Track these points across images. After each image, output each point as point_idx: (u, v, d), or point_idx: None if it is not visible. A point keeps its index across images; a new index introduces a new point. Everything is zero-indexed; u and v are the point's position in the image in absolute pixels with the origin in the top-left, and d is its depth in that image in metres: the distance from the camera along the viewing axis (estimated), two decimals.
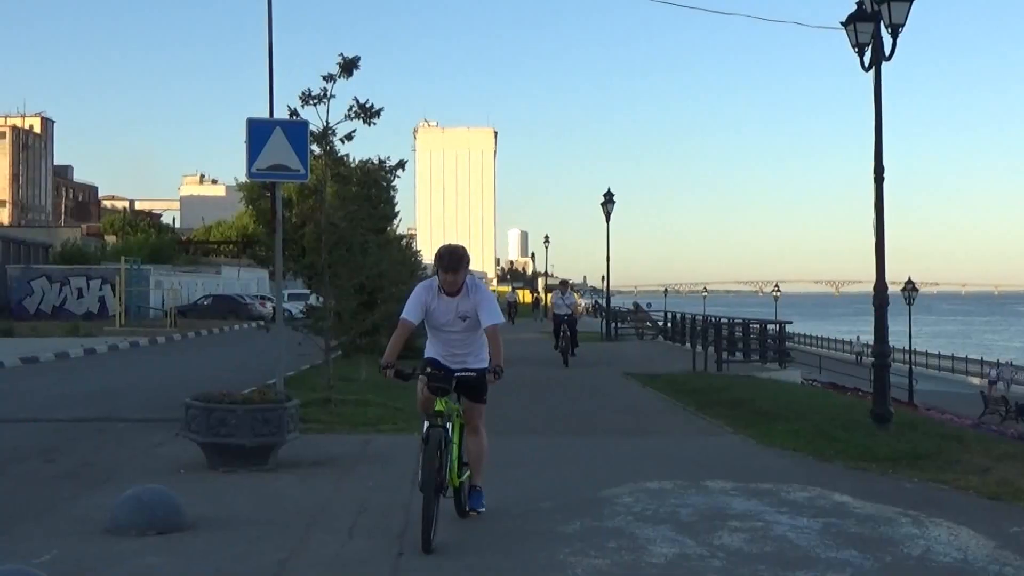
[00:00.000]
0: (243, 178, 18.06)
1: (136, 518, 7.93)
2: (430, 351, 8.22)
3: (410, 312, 7.95)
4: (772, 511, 8.91)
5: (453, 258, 7.82)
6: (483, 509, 8.24)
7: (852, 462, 11.38)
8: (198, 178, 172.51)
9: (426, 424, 7.61)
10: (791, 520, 8.58)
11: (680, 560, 7.29)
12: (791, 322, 33.72)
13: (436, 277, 7.95)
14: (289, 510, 8.88)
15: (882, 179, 14.47)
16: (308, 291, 20.32)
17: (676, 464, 10.88)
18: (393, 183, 24.05)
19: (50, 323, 44.38)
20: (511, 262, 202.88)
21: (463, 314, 7.91)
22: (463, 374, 7.83)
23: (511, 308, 64.29)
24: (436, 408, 7.62)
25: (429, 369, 7.81)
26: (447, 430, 7.59)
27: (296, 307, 30.58)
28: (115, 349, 32.50)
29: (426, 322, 8.09)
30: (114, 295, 48.76)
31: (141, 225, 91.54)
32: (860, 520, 8.58)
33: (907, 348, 48.98)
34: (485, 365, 7.95)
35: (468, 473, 8.22)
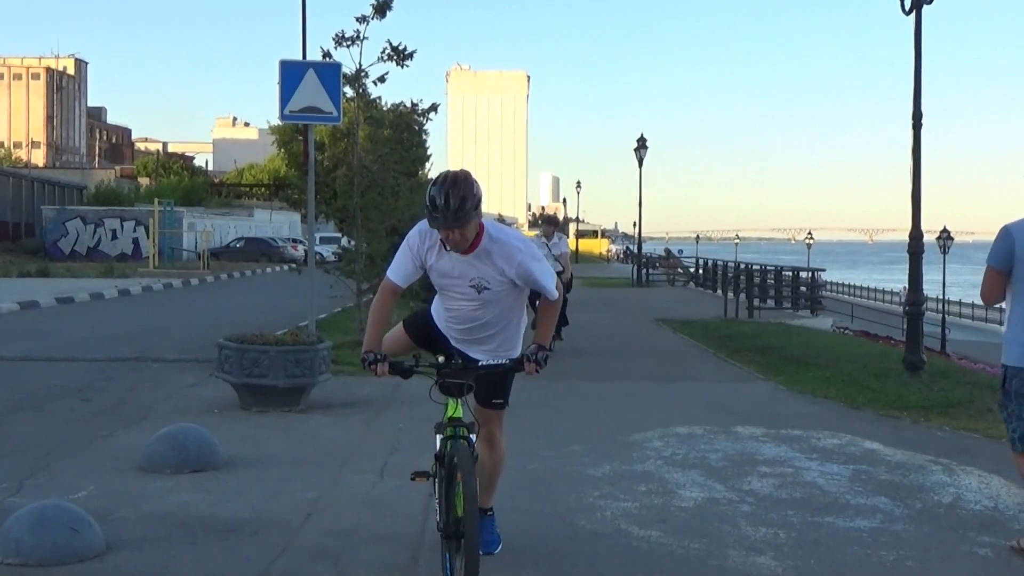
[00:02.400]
0: (276, 121, 18.16)
1: (170, 456, 8.03)
2: (436, 315, 5.81)
3: (396, 271, 5.52)
4: (802, 457, 8.91)
5: (455, 194, 5.00)
6: (498, 549, 5.95)
7: (883, 410, 11.34)
8: (230, 121, 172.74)
9: (439, 437, 5.41)
10: (821, 466, 8.58)
11: (709, 505, 7.32)
12: (824, 270, 33.56)
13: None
14: (321, 450, 8.97)
15: (920, 125, 14.28)
16: (340, 234, 20.35)
17: (706, 410, 10.88)
18: (425, 127, 23.96)
19: (84, 264, 44.87)
20: (543, 207, 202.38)
21: (479, 282, 5.38)
22: (488, 365, 5.37)
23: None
24: (451, 414, 5.37)
25: (440, 358, 5.48)
26: (471, 442, 5.27)
27: (328, 250, 30.74)
28: (149, 290, 32.76)
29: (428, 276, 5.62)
30: (147, 237, 49.10)
31: (174, 167, 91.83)
32: (890, 467, 8.58)
33: (940, 297, 48.66)
34: (516, 353, 5.57)
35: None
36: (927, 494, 7.72)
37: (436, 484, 5.50)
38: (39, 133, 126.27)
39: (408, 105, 18.13)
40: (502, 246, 5.29)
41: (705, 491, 7.69)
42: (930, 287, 18.34)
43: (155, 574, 5.65)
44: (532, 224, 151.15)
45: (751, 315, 25.40)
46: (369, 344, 5.40)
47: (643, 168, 43.85)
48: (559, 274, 14.08)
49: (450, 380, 5.28)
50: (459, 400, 5.35)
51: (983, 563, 6.16)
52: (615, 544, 6.25)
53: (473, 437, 5.27)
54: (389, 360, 5.27)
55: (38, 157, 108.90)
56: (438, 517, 5.38)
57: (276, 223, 72.94)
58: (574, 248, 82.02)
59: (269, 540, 6.27)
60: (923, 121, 14.29)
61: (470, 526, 4.87)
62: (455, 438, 5.23)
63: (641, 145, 43.37)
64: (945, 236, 52.77)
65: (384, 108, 17.60)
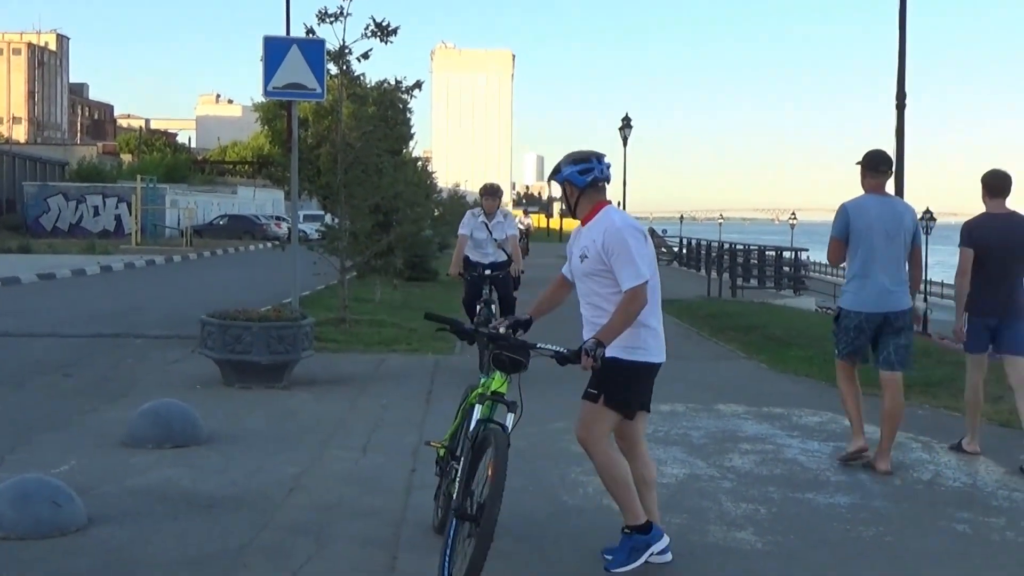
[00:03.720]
0: (259, 98, 17.98)
1: (153, 432, 8.03)
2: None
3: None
4: (783, 435, 8.97)
5: None
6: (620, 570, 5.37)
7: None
8: (214, 98, 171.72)
9: (477, 406, 5.24)
10: (802, 444, 8.64)
11: (691, 481, 7.37)
12: (807, 250, 33.60)
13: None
14: (304, 426, 8.98)
15: (904, 106, 14.35)
16: (323, 212, 20.31)
17: (689, 388, 10.91)
18: (409, 104, 23.88)
19: (66, 240, 44.61)
20: (527, 186, 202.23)
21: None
22: (544, 348, 5.22)
23: (524, 235, 53.82)
24: (496, 387, 5.21)
25: (502, 329, 5.40)
26: (506, 428, 5.04)
27: (311, 228, 30.64)
28: (131, 267, 32.63)
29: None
30: (130, 214, 48.85)
31: (157, 144, 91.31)
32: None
33: (923, 278, 48.99)
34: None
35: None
36: (907, 471, 7.78)
37: (441, 458, 5.56)
38: (20, 109, 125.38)
39: (392, 82, 18.05)
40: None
41: (687, 467, 7.74)
42: None
43: (138, 548, 5.65)
44: (516, 203, 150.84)
45: (734, 294, 25.47)
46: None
47: (627, 148, 43.90)
48: (501, 265, 11.74)
49: (504, 353, 5.20)
50: (507, 377, 5.21)
51: (961, 539, 6.22)
52: (598, 520, 6.28)
53: (510, 418, 5.08)
54: (454, 321, 5.46)
55: (19, 133, 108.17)
56: (441, 487, 5.37)
57: (259, 200, 72.66)
58: (557, 227, 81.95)
59: (251, 515, 6.28)
60: (907, 102, 14.34)
61: (489, 514, 4.69)
62: (490, 421, 5.07)
63: (626, 125, 43.38)
64: (928, 217, 52.96)
65: (368, 85, 17.52)
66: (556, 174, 5.53)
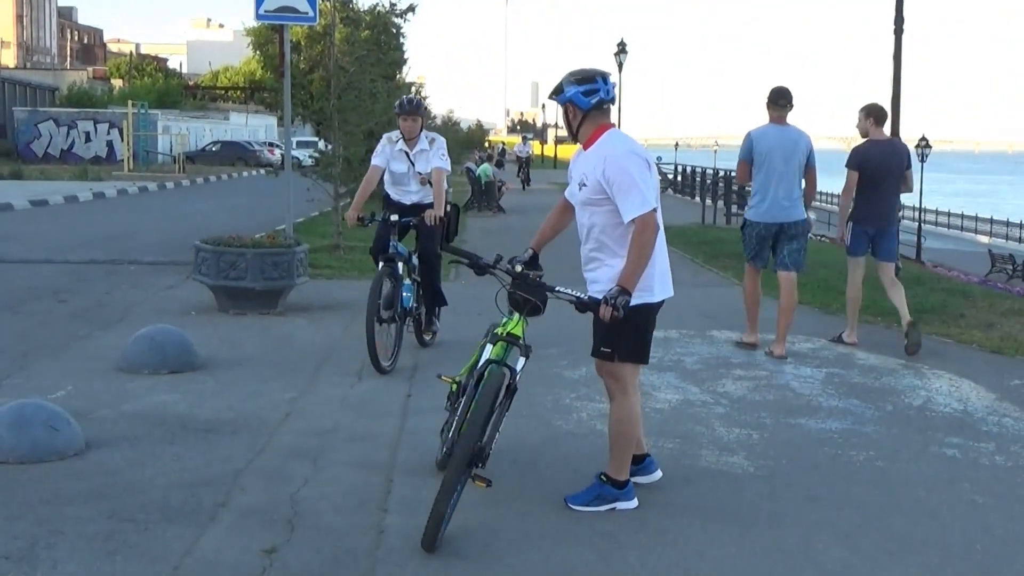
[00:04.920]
0: (251, 22, 17.82)
1: (149, 357, 8.05)
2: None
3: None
4: (776, 361, 9.01)
5: None
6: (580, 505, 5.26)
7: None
8: (205, 22, 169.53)
9: (489, 346, 5.09)
10: (794, 370, 8.69)
11: (684, 406, 7.42)
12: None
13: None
14: (299, 352, 9.01)
15: (902, 31, 14.21)
16: (317, 138, 20.21)
17: (683, 314, 10.93)
18: (403, 29, 23.65)
19: (58, 167, 44.33)
20: (520, 113, 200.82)
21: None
22: (563, 292, 5.00)
23: (525, 163, 45.25)
24: (511, 328, 5.05)
25: (519, 268, 5.11)
26: (515, 372, 4.94)
27: (305, 154, 30.46)
28: (124, 194, 32.48)
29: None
30: (122, 140, 48.49)
31: (148, 69, 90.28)
32: (863, 371, 8.69)
33: (917, 205, 48.85)
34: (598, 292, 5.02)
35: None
36: (898, 397, 7.84)
37: (452, 392, 5.40)
38: (8, 32, 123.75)
39: (386, 6, 17.87)
40: None
41: (680, 393, 7.79)
42: (908, 195, 18.34)
43: (135, 472, 5.69)
44: (510, 130, 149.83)
45: (729, 222, 25.44)
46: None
47: (623, 74, 43.50)
48: (416, 207, 8.82)
49: (520, 293, 5.01)
50: (523, 317, 5.04)
51: (951, 463, 6.28)
52: (591, 444, 6.33)
53: (521, 362, 4.96)
54: (475, 256, 5.15)
55: (8, 58, 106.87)
56: (449, 423, 5.19)
57: (252, 127, 72.13)
58: (552, 155, 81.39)
59: (248, 439, 6.32)
60: (904, 27, 14.20)
61: (456, 453, 4.65)
62: (497, 363, 4.89)
63: (621, 50, 42.93)
64: (924, 144, 52.69)
65: (361, 10, 17.34)
66: (558, 94, 5.15)
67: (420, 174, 8.88)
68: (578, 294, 4.90)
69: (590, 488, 5.30)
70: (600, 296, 4.84)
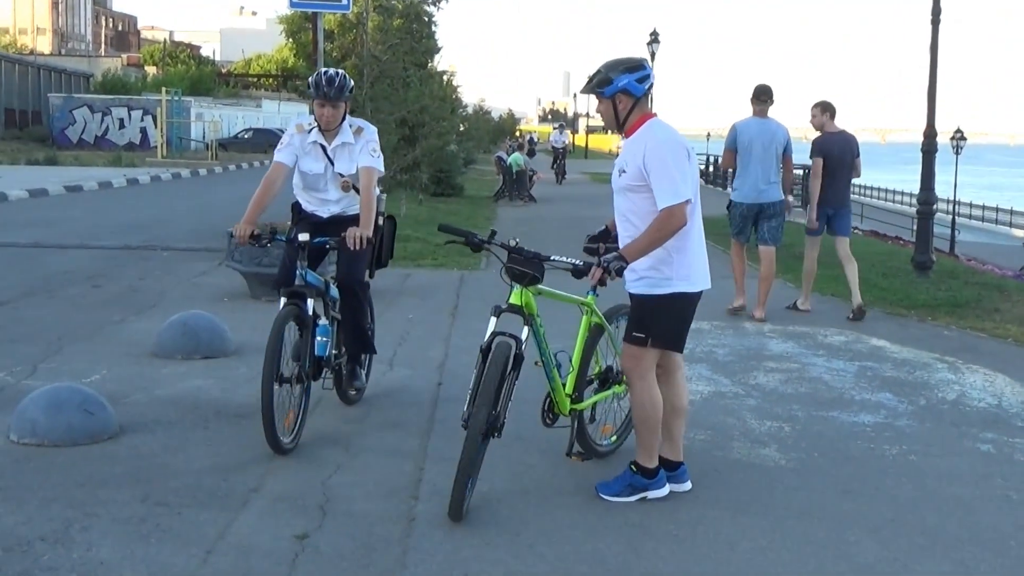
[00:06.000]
0: (284, 10, 17.85)
1: (182, 343, 8.11)
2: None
3: None
4: (808, 353, 8.97)
5: None
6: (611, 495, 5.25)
7: (890, 308, 11.38)
8: (238, 10, 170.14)
9: (493, 319, 5.10)
10: (827, 363, 8.64)
11: (715, 398, 7.40)
12: None
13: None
14: None
15: (939, 21, 14.06)
16: None
17: (714, 305, 10.86)
18: (435, 18, 23.67)
19: (92, 153, 44.71)
20: (552, 102, 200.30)
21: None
22: (557, 261, 5.23)
23: (560, 155, 39.92)
24: (512, 300, 5.19)
25: (513, 242, 5.24)
26: (520, 342, 5.08)
27: None
28: (157, 180, 32.69)
29: None
30: (155, 126, 48.81)
31: (181, 56, 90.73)
32: (896, 364, 8.63)
33: (952, 198, 48.45)
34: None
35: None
36: (931, 391, 7.78)
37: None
38: (44, 19, 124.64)
39: None
40: None
41: (712, 384, 7.77)
42: (942, 188, 18.20)
43: (168, 456, 5.74)
44: (541, 120, 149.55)
45: None
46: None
47: (655, 63, 43.34)
48: (350, 222, 6.38)
49: (515, 267, 5.18)
50: (523, 288, 5.17)
51: (985, 459, 6.23)
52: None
53: (525, 331, 5.10)
54: (471, 233, 5.36)
55: (44, 44, 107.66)
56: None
57: (284, 114, 72.32)
58: (582, 144, 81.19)
59: None
60: (941, 17, 14.06)
61: (472, 425, 4.83)
62: (501, 334, 5.00)
63: (654, 40, 42.76)
64: (959, 137, 52.16)
65: None
66: (606, 86, 5.03)
67: (341, 176, 6.58)
68: (573, 261, 5.09)
69: (620, 477, 5.29)
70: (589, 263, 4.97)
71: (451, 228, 5.48)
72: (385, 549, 4.57)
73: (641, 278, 5.10)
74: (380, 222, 6.74)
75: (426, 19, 22.27)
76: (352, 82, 6.52)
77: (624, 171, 5.10)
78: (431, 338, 9.13)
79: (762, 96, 10.57)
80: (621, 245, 5.14)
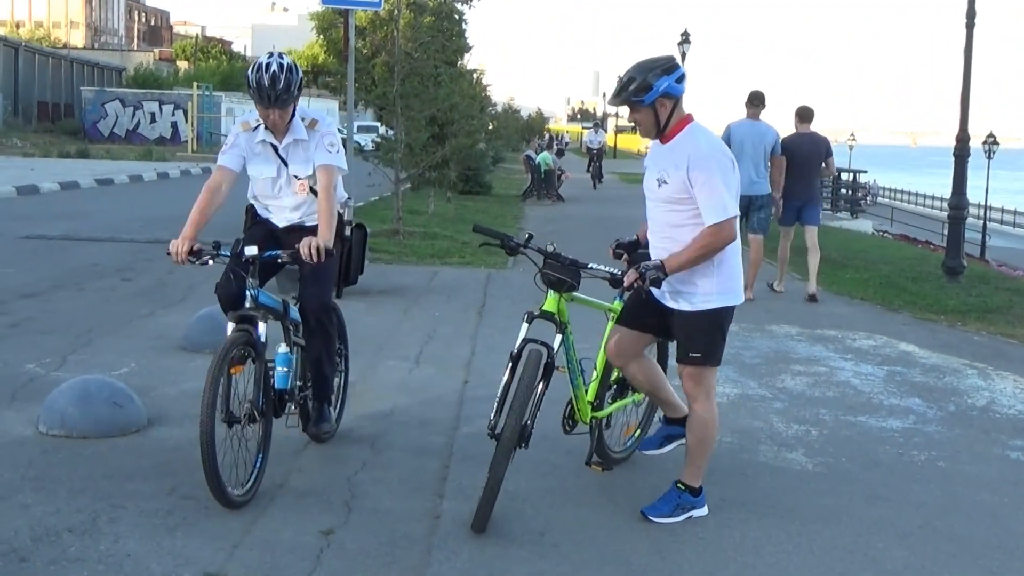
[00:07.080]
0: (315, 6, 17.91)
1: (210, 337, 8.11)
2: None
3: None
4: (836, 357, 8.92)
5: None
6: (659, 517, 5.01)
7: (920, 313, 11.30)
8: (270, 6, 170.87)
9: (525, 324, 5.00)
10: (855, 367, 8.59)
11: (742, 401, 7.36)
12: (865, 171, 33.14)
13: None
14: (357, 337, 8.97)
15: (973, 24, 13.96)
16: (378, 123, 20.29)
17: (742, 308, 10.81)
18: (466, 16, 23.69)
19: (123, 146, 44.99)
20: (581, 101, 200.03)
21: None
22: (594, 269, 5.05)
23: (596, 156, 36.79)
24: (546, 307, 5.03)
25: (550, 247, 5.11)
26: (551, 349, 4.95)
27: (366, 139, 30.58)
28: (187, 174, 32.82)
29: None
30: (186, 121, 49.05)
31: (213, 52, 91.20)
32: (925, 370, 8.57)
33: (983, 203, 48.07)
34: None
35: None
36: (961, 397, 7.72)
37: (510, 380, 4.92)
38: (78, 13, 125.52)
39: None
40: None
41: (738, 387, 7.73)
42: (973, 193, 18.09)
43: (195, 449, 5.70)
44: (571, 119, 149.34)
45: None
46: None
47: (685, 64, 43.21)
48: (308, 232, 5.61)
49: (552, 274, 5.02)
50: (559, 295, 5.02)
51: (1015, 466, 6.18)
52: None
53: (557, 339, 4.96)
54: (507, 236, 5.18)
55: (77, 38, 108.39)
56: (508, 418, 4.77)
57: (314, 110, 72.61)
58: (611, 144, 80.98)
59: None
60: (976, 21, 13.96)
61: (505, 435, 4.65)
62: (532, 341, 4.86)
63: (684, 40, 42.64)
64: (991, 141, 51.74)
65: None
66: (646, 92, 4.70)
67: (298, 179, 5.73)
68: (611, 270, 4.92)
69: (667, 498, 5.06)
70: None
71: (486, 229, 5.30)
72: (409, 547, 4.58)
73: (679, 292, 4.91)
74: (348, 232, 6.16)
75: (457, 17, 22.27)
76: (301, 73, 5.50)
77: (665, 182, 4.82)
78: (458, 336, 9.14)
79: (755, 101, 11.83)
80: (655, 254, 4.94)
